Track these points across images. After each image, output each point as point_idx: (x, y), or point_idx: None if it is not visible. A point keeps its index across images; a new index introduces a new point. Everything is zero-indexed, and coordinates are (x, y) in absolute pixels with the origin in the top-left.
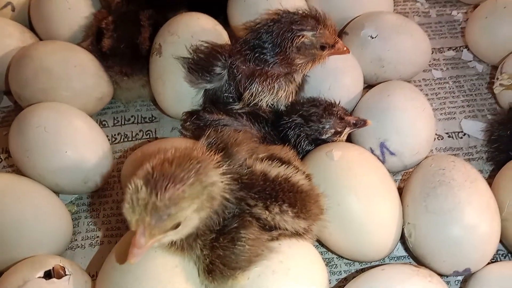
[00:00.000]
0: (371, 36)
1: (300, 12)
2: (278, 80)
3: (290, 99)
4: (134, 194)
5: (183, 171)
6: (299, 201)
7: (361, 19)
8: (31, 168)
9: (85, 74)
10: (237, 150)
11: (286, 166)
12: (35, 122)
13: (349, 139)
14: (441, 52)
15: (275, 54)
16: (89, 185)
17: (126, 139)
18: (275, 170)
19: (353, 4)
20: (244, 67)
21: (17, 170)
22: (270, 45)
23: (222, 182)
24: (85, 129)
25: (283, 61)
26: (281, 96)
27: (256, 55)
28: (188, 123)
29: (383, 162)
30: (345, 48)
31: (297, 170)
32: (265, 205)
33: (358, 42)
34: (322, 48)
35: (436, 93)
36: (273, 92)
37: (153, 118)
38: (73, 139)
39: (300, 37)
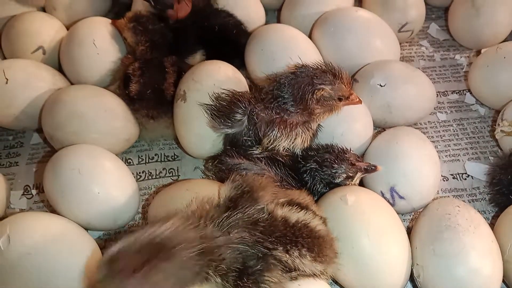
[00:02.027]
0: (380, 85)
1: (319, 67)
2: (297, 128)
3: (305, 145)
4: None
5: None
6: (317, 246)
7: (371, 67)
8: (65, 207)
9: (114, 118)
10: (262, 194)
11: (305, 211)
12: (70, 165)
13: (361, 183)
14: (445, 95)
15: (296, 104)
16: (118, 224)
17: (150, 177)
18: (295, 216)
19: (362, 52)
20: (263, 115)
21: (48, 204)
22: (291, 96)
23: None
24: (115, 170)
25: (302, 111)
26: (298, 143)
27: (277, 104)
28: (210, 166)
29: (392, 205)
30: (358, 99)
31: (314, 216)
32: (285, 249)
33: (368, 89)
34: (339, 99)
35: (441, 135)
36: (291, 138)
37: (175, 156)
38: (104, 180)
39: (320, 90)
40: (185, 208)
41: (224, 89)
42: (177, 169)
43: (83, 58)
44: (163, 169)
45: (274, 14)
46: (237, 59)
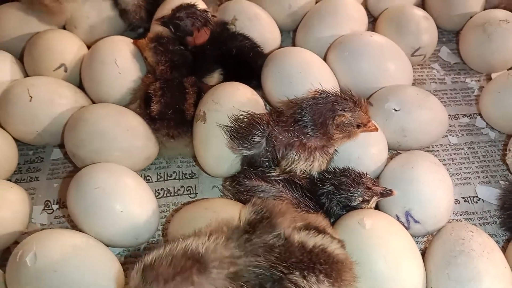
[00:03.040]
0: (394, 109)
1: (340, 94)
2: (315, 152)
3: (322, 168)
4: None
5: None
6: (335, 271)
7: (385, 92)
8: (88, 224)
9: (135, 136)
10: (280, 221)
11: (323, 235)
12: (94, 184)
13: (376, 206)
14: (456, 119)
15: (316, 129)
16: (139, 241)
17: (168, 194)
18: (312, 240)
19: (377, 76)
20: (282, 137)
21: (69, 220)
22: (311, 120)
23: None
24: (137, 188)
25: (322, 135)
26: (315, 166)
27: (297, 127)
28: (228, 186)
29: (407, 228)
30: (374, 127)
31: (332, 239)
32: (302, 274)
33: (383, 113)
34: (358, 126)
35: (452, 159)
36: (309, 162)
37: (193, 174)
38: (127, 199)
39: (341, 116)
40: (205, 227)
41: (242, 111)
42: (195, 187)
43: (105, 77)
44: (181, 186)
45: (289, 35)
46: (254, 80)
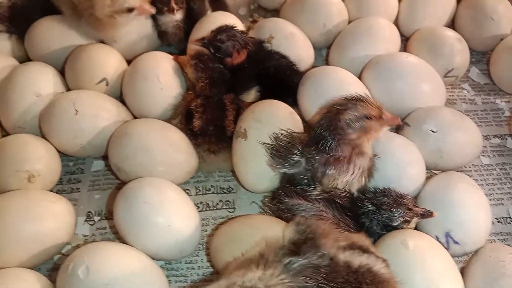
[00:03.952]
0: (432, 130)
1: (344, 97)
2: (351, 161)
3: (362, 181)
4: None
5: None
6: None
7: (422, 113)
8: (135, 237)
9: (178, 151)
10: (324, 242)
11: (367, 255)
12: (142, 198)
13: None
14: (488, 139)
15: (334, 138)
16: (183, 254)
17: (208, 208)
18: (358, 260)
19: (411, 96)
20: (318, 156)
21: (111, 232)
22: (329, 133)
23: None
24: (182, 202)
25: (342, 140)
26: (355, 175)
27: (323, 146)
28: (268, 203)
29: (447, 249)
30: (393, 117)
31: (377, 259)
32: None
33: (420, 134)
34: (368, 118)
35: (485, 179)
36: (348, 172)
37: (230, 189)
38: (173, 213)
39: (344, 114)
40: (252, 247)
41: (282, 129)
42: (233, 202)
43: (147, 92)
44: (220, 201)
45: (320, 53)
46: (290, 98)
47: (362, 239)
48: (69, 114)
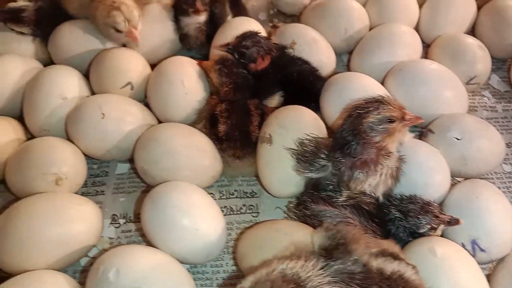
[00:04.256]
0: (456, 138)
1: (365, 99)
2: (377, 162)
3: (389, 184)
4: None
5: None
6: None
7: (447, 121)
8: (163, 241)
9: (204, 156)
10: (355, 247)
11: (398, 262)
12: (170, 202)
13: None
14: (509, 147)
15: (358, 142)
16: (209, 258)
17: (231, 212)
18: (390, 267)
19: (434, 103)
20: (344, 160)
21: (137, 234)
22: (351, 136)
23: None
24: (208, 206)
25: (366, 144)
26: (381, 177)
27: (348, 150)
28: (294, 208)
29: (473, 256)
30: (415, 117)
31: (407, 265)
32: None
33: (445, 141)
34: (391, 121)
35: (507, 187)
36: (376, 173)
37: (254, 193)
38: (200, 217)
39: (366, 118)
40: (280, 251)
41: (307, 134)
42: (257, 206)
43: (172, 97)
44: (243, 205)
45: (340, 58)
46: (313, 103)
47: (391, 245)
48: (96, 118)
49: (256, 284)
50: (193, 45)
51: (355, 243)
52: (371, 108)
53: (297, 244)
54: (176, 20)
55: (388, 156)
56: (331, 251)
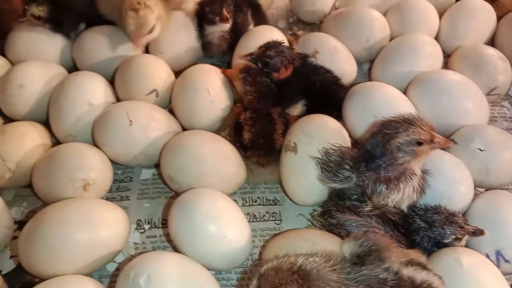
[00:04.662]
0: (480, 149)
1: (394, 118)
2: (400, 180)
3: (413, 198)
4: None
5: None
6: None
7: (470, 131)
8: (190, 247)
9: (229, 163)
10: (388, 255)
11: (427, 271)
12: (198, 209)
13: None
14: None
15: (384, 159)
16: (235, 265)
17: (255, 220)
18: (419, 276)
19: (456, 114)
20: (368, 174)
21: (162, 240)
22: (378, 153)
23: None
24: (235, 213)
25: (392, 163)
26: (405, 194)
27: (373, 165)
28: (318, 217)
29: (497, 267)
30: (445, 140)
31: (434, 275)
32: None
33: (468, 152)
34: (419, 144)
35: None
36: (398, 192)
37: (276, 201)
38: (227, 224)
39: (395, 139)
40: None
41: (332, 144)
42: (279, 214)
43: (197, 105)
44: (266, 212)
45: (360, 67)
46: (335, 112)
47: (418, 255)
48: (124, 124)
49: (267, 270)
50: (216, 53)
51: (388, 250)
52: (400, 129)
53: (325, 252)
54: (200, 28)
55: (412, 176)
56: (363, 258)
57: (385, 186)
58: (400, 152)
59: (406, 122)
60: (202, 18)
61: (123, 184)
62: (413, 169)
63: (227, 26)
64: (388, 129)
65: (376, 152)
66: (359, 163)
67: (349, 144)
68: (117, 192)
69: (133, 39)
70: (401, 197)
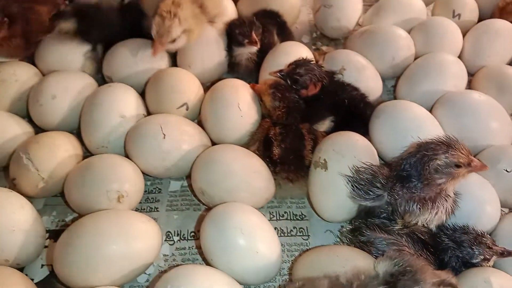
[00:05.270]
0: (506, 170)
1: (434, 140)
2: (435, 202)
3: (443, 218)
4: None
5: None
6: None
7: (496, 152)
8: (223, 261)
9: (260, 178)
10: (424, 277)
11: None
12: (232, 223)
13: None
14: None
15: (421, 179)
16: (266, 280)
17: (282, 234)
18: None
19: (482, 135)
20: (401, 193)
21: (191, 252)
22: (414, 173)
23: None
24: (266, 228)
25: (429, 184)
26: (441, 214)
27: (408, 184)
28: (348, 234)
29: None
30: (481, 165)
31: None
32: None
33: (494, 173)
34: (457, 166)
35: None
36: (432, 212)
37: (303, 216)
38: (260, 239)
39: (435, 160)
40: (341, 274)
41: (362, 162)
42: (307, 229)
43: (228, 119)
44: (294, 227)
45: (384, 84)
46: (362, 129)
47: (449, 276)
48: (157, 138)
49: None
50: (243, 74)
51: (423, 272)
52: (440, 151)
53: (357, 269)
54: (228, 48)
55: (447, 198)
56: (397, 277)
57: (419, 206)
58: (438, 174)
59: (446, 145)
60: (231, 39)
61: (152, 195)
62: (448, 191)
63: (254, 48)
64: (427, 150)
65: (412, 172)
66: (393, 182)
67: (378, 162)
68: (146, 203)
69: (153, 44)
70: (433, 217)
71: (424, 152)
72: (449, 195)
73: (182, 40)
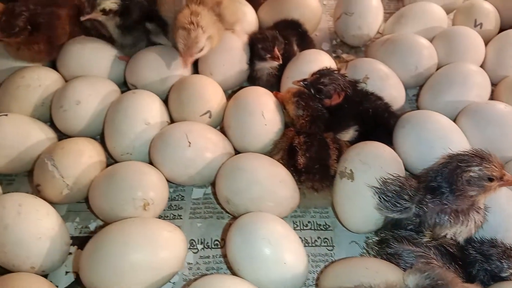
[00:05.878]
0: None
1: (468, 152)
2: (468, 214)
3: (472, 231)
4: None
5: None
6: None
7: None
8: (250, 271)
9: (286, 188)
10: None
11: None
12: (260, 234)
13: None
14: None
15: (452, 191)
16: None
17: (306, 244)
18: None
19: (507, 146)
20: (431, 205)
21: (214, 260)
22: (446, 184)
23: None
24: (292, 238)
25: (460, 196)
26: (472, 227)
27: (439, 196)
28: (374, 245)
29: None
30: None
31: None
32: None
33: None
34: (490, 179)
35: None
36: (464, 225)
37: (327, 226)
38: (288, 249)
39: (468, 172)
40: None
41: (390, 174)
42: (331, 240)
43: (252, 127)
44: (318, 237)
45: (406, 92)
46: (387, 139)
47: None
48: (183, 145)
49: None
50: (263, 87)
51: (454, 285)
52: (474, 163)
53: (388, 282)
54: (250, 62)
55: (478, 211)
56: None
57: (451, 218)
58: (470, 186)
59: (479, 157)
60: (253, 53)
61: (175, 202)
62: (479, 204)
63: (276, 63)
64: (461, 162)
65: (444, 183)
66: (422, 194)
67: (404, 173)
68: (169, 210)
69: (182, 57)
70: (463, 230)
71: (457, 163)
72: (480, 208)
73: (207, 48)
